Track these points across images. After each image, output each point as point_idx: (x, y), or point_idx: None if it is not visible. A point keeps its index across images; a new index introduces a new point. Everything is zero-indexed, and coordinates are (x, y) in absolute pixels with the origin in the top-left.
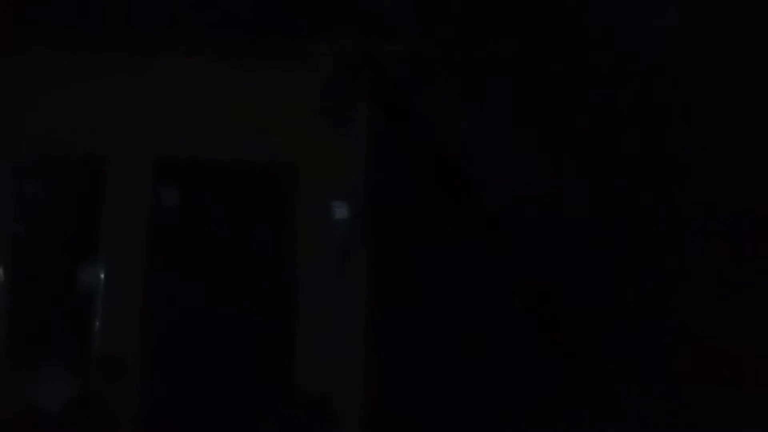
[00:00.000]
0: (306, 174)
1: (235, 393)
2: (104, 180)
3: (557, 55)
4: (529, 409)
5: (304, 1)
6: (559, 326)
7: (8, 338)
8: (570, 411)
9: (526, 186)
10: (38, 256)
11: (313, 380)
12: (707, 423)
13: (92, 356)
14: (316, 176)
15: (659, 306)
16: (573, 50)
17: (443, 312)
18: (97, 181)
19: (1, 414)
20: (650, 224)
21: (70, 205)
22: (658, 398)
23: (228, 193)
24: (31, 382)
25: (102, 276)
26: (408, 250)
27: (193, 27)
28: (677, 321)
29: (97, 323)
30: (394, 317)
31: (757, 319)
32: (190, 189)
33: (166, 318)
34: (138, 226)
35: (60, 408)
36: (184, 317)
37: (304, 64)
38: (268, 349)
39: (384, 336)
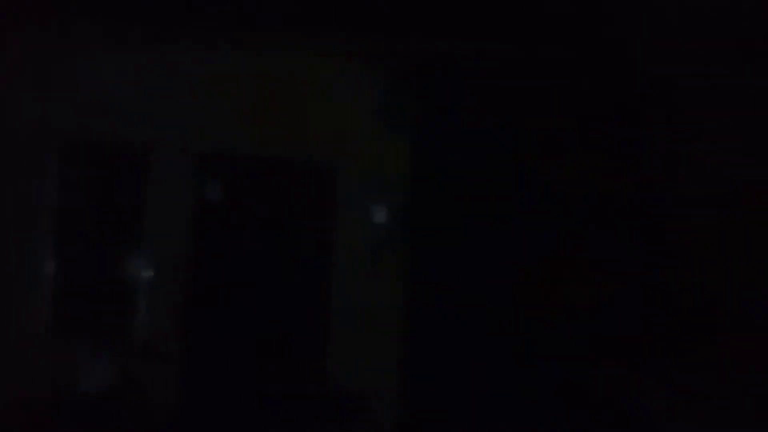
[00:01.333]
0: (346, 173)
1: (270, 385)
2: (149, 170)
3: (598, 56)
4: (562, 405)
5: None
6: (595, 324)
7: (52, 322)
8: (603, 409)
9: (567, 189)
10: (84, 244)
11: (347, 376)
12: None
13: (133, 343)
14: (356, 176)
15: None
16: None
17: (477, 311)
18: (141, 171)
19: (42, 394)
20: None
21: (115, 194)
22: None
23: (270, 190)
24: (72, 366)
25: (145, 265)
26: (445, 250)
27: (242, 22)
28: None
29: (139, 311)
30: (429, 316)
31: None
32: (232, 184)
33: (205, 309)
34: (181, 218)
35: (99, 392)
36: (223, 309)
37: (354, 63)
38: (303, 344)
39: (418, 334)
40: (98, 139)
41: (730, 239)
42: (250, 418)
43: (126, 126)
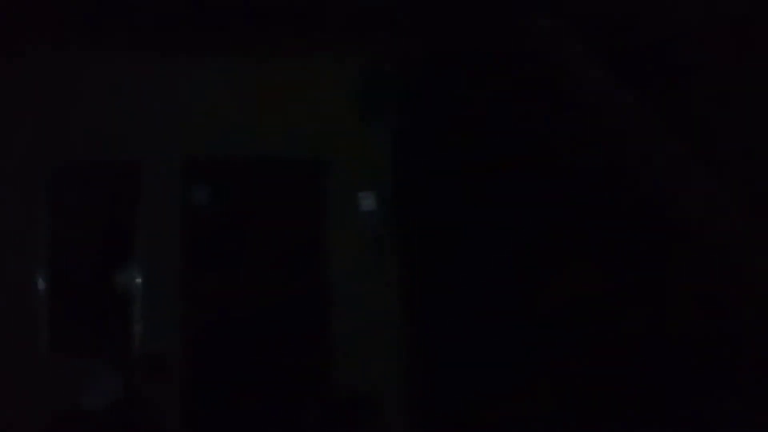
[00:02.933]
0: (336, 169)
1: (273, 388)
2: (138, 182)
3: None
4: (570, 398)
5: None
6: (595, 311)
7: (50, 340)
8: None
9: (556, 179)
10: (77, 258)
11: (348, 374)
12: None
13: (133, 356)
14: (346, 171)
15: None
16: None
17: (477, 302)
18: (130, 183)
19: (44, 415)
20: None
21: (106, 208)
22: None
23: (259, 189)
24: (73, 384)
25: (139, 276)
26: (439, 241)
27: (220, 23)
28: None
29: (137, 323)
30: (427, 309)
31: None
32: (222, 187)
33: (203, 316)
34: (172, 226)
35: (103, 408)
36: (221, 314)
37: (334, 59)
38: (304, 344)
39: (418, 327)
40: (87, 154)
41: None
42: (255, 423)
43: (113, 140)
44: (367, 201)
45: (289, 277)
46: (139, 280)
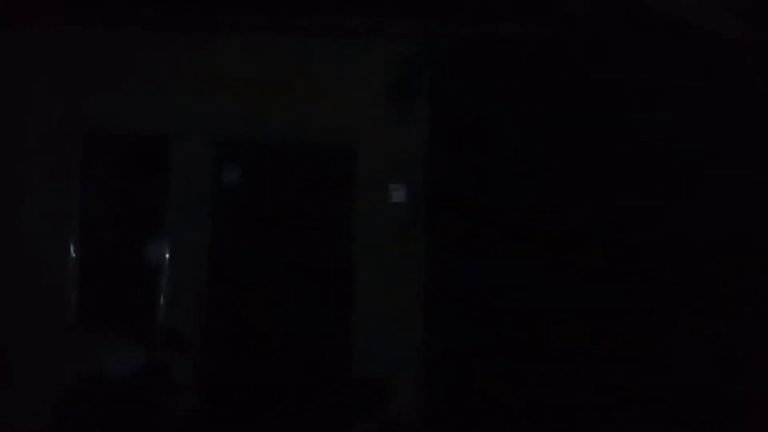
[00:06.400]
0: (365, 154)
1: (293, 369)
2: (169, 157)
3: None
4: (585, 394)
5: None
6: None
7: (76, 309)
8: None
9: (584, 171)
10: (106, 230)
11: (369, 359)
12: None
13: (157, 329)
14: (375, 156)
15: None
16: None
17: (500, 292)
18: (162, 158)
19: (68, 380)
20: None
21: (136, 181)
22: None
23: (289, 172)
24: (97, 352)
25: (168, 250)
26: (465, 229)
27: (256, 6)
28: None
29: (163, 296)
30: (451, 297)
31: None
32: (252, 168)
33: (228, 295)
34: (202, 205)
35: (125, 377)
36: (245, 295)
37: (367, 44)
38: (326, 326)
39: (441, 315)
40: (120, 128)
41: None
42: (274, 402)
43: (146, 115)
44: (398, 193)
45: (313, 259)
46: (167, 255)
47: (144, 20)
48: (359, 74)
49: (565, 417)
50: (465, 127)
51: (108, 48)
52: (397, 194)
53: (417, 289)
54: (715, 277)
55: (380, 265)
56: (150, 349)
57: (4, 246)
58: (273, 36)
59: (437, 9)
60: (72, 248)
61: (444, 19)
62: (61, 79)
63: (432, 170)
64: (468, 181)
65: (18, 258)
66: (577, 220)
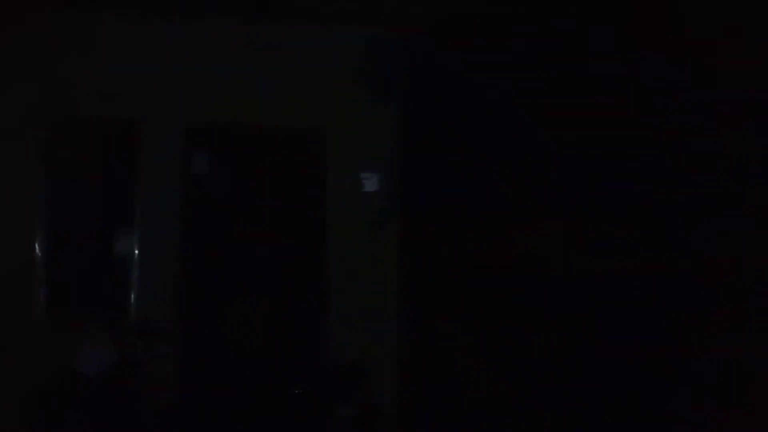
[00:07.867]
0: (337, 141)
1: (268, 358)
2: (137, 145)
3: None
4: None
5: None
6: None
7: (46, 304)
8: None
9: (561, 159)
10: (74, 220)
11: (345, 346)
12: None
13: (129, 322)
14: (347, 143)
15: None
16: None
17: (475, 279)
18: (130, 146)
19: (39, 378)
20: None
21: (104, 170)
22: None
23: (260, 159)
24: (68, 348)
25: (137, 242)
26: (439, 217)
27: None
28: None
29: (134, 289)
30: (425, 285)
31: None
32: (222, 155)
33: (200, 283)
34: (171, 192)
35: (97, 373)
36: (218, 283)
37: (340, 28)
38: (301, 313)
39: (416, 304)
40: (86, 115)
41: None
42: (250, 392)
43: (113, 101)
44: (372, 177)
45: (286, 247)
46: (137, 244)
47: (111, 3)
48: (332, 59)
49: (542, 399)
50: (439, 114)
51: (73, 32)
52: (369, 183)
53: (392, 273)
54: (712, 277)
55: (355, 248)
56: (123, 341)
57: None
58: (243, 20)
59: None
60: (38, 240)
61: (418, 3)
62: (25, 66)
63: (405, 158)
64: (442, 171)
65: None
66: (554, 209)
